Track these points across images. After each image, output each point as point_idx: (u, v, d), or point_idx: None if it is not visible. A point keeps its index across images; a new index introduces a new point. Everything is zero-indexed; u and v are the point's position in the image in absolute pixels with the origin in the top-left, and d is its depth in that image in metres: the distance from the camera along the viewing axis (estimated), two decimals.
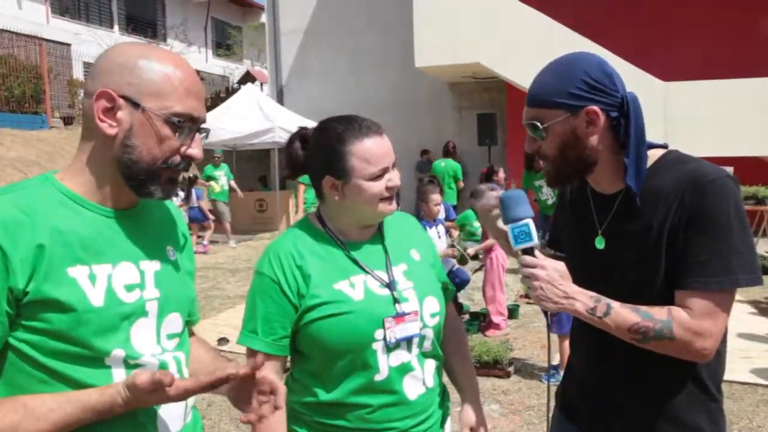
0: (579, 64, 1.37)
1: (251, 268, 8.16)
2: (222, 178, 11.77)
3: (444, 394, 1.63)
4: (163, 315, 1.23)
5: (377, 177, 1.44)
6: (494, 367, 4.59)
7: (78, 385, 1.09)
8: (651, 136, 1.41)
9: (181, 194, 11.48)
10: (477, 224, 9.55)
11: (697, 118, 10.21)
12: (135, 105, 1.13)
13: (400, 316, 1.46)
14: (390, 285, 1.49)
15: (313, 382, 1.49)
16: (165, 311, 1.23)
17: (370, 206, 1.47)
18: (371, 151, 1.44)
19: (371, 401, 1.45)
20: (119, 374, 1.13)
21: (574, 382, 1.64)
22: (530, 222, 1.38)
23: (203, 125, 1.22)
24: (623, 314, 1.33)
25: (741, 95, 10.17)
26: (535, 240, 1.37)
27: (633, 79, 10.32)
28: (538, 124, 1.39)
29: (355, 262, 1.50)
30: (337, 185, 1.46)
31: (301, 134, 1.55)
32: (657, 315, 1.32)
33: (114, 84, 1.12)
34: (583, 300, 1.35)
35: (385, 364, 1.45)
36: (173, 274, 1.27)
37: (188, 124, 1.17)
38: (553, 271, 1.35)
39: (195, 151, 1.20)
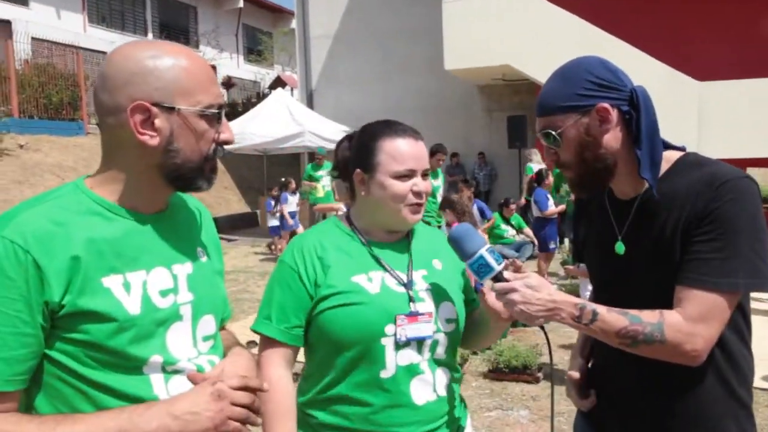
0: (581, 66, 1.38)
1: None
2: (325, 179, 10.66)
3: (461, 411, 1.59)
4: (198, 318, 1.23)
5: (402, 177, 1.46)
6: (523, 373, 4.54)
7: (117, 394, 1.09)
8: (685, 137, 1.40)
9: (272, 203, 11.08)
10: (504, 227, 9.49)
11: (733, 118, 9.96)
12: (169, 109, 1.11)
13: (413, 315, 1.45)
14: (407, 284, 1.49)
15: (319, 373, 1.49)
16: (199, 314, 1.23)
17: (393, 208, 1.47)
18: (399, 150, 1.46)
19: (375, 400, 1.43)
20: (158, 380, 1.13)
21: (596, 387, 1.61)
22: (484, 252, 1.38)
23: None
24: (610, 320, 1.31)
25: None
26: (497, 266, 1.37)
27: (667, 79, 10.14)
28: (552, 131, 1.39)
29: (376, 259, 1.51)
30: (364, 179, 1.49)
31: (350, 135, 1.61)
32: (647, 318, 1.30)
33: (141, 93, 1.10)
34: (567, 309, 1.33)
35: (392, 361, 1.44)
36: (205, 276, 1.27)
37: (217, 112, 1.17)
38: (525, 288, 1.33)
39: (227, 135, 1.20)
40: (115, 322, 1.08)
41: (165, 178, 1.16)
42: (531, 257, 9.31)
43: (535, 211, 8.03)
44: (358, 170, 1.50)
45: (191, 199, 1.37)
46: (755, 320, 1.42)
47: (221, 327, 1.34)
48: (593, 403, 1.57)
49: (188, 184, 1.19)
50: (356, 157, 1.52)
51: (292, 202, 10.87)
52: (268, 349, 1.50)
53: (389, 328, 1.43)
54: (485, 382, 4.58)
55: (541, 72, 10.99)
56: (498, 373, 4.59)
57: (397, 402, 1.44)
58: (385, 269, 1.50)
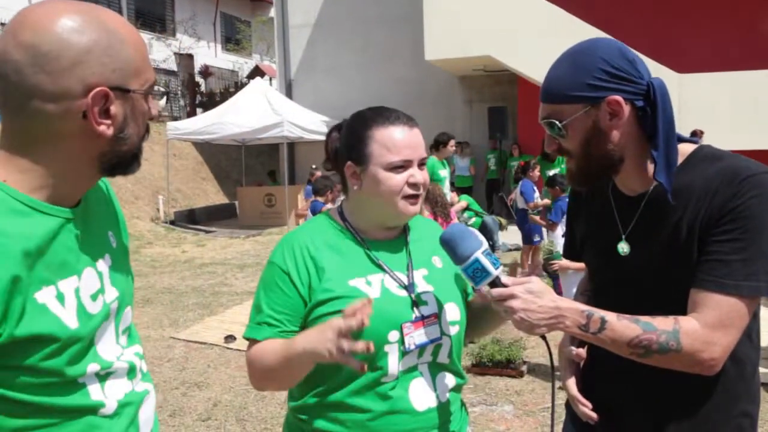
0: (596, 52, 1.25)
1: (259, 264, 8.05)
2: None
3: (463, 419, 1.50)
4: (121, 313, 1.11)
5: (397, 168, 1.35)
6: (507, 367, 4.48)
7: (51, 410, 0.96)
8: None
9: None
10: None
11: (712, 111, 10.03)
12: (125, 93, 0.97)
13: (418, 321, 1.36)
14: (409, 287, 1.39)
15: (315, 380, 1.37)
16: (122, 308, 1.12)
17: (389, 201, 1.36)
18: (393, 139, 1.35)
19: (374, 406, 1.33)
20: (95, 388, 1.02)
21: (587, 392, 1.51)
22: (478, 254, 1.25)
23: None
24: (620, 328, 1.21)
25: (757, 87, 9.98)
26: (494, 270, 1.24)
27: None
28: (556, 121, 1.27)
29: (374, 260, 1.40)
30: (357, 172, 1.39)
31: (339, 125, 1.50)
32: (661, 325, 1.20)
33: (98, 77, 0.93)
34: (573, 316, 1.22)
35: (395, 367, 1.34)
36: (121, 264, 1.14)
37: (155, 88, 1.05)
38: (526, 294, 1.21)
39: (156, 110, 1.08)
40: (57, 342, 0.93)
41: (101, 167, 1.02)
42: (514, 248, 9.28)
43: (521, 203, 7.95)
44: (350, 162, 1.39)
45: None
46: None
47: None
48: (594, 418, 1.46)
49: (125, 169, 1.05)
50: (347, 147, 1.41)
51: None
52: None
53: (392, 335, 1.33)
54: (468, 377, 4.49)
55: (522, 63, 10.96)
56: (481, 367, 4.52)
57: (397, 408, 1.34)
58: (384, 271, 1.40)
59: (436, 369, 1.40)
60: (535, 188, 7.90)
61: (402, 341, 1.34)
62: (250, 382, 1.42)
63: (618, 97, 1.23)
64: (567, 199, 6.62)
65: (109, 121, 0.97)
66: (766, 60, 10.27)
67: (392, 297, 1.37)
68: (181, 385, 4.48)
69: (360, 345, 1.13)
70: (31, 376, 0.92)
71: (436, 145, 7.32)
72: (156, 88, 1.05)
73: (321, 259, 1.37)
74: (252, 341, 1.37)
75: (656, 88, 1.24)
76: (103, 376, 1.03)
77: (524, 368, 4.53)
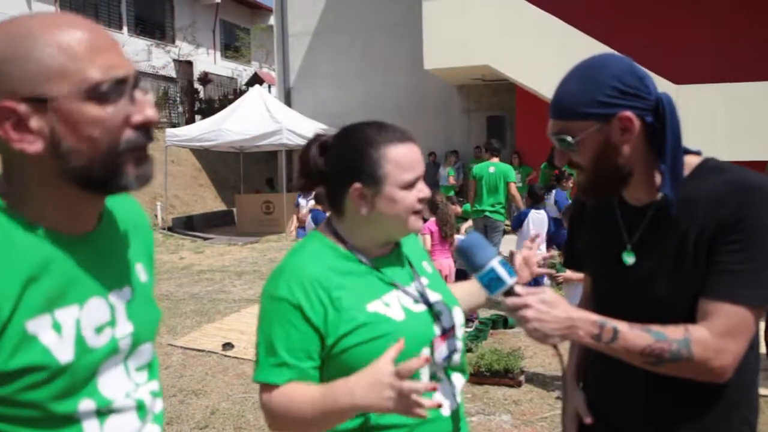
0: (608, 69, 1.26)
1: (257, 271, 7.99)
2: None
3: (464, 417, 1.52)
4: (135, 348, 1.04)
5: (410, 186, 1.34)
6: (504, 376, 4.47)
7: None
8: None
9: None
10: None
11: (709, 122, 10.06)
12: (40, 102, 0.84)
13: (443, 334, 1.37)
14: (426, 300, 1.40)
15: None
16: (137, 344, 1.04)
17: (402, 220, 1.35)
18: (406, 157, 1.33)
19: (408, 420, 1.30)
20: (91, 427, 0.95)
21: (588, 402, 1.53)
22: (494, 263, 1.26)
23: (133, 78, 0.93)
24: (632, 338, 1.23)
25: (754, 98, 10.02)
26: (509, 280, 1.26)
27: None
28: (568, 138, 1.29)
29: (384, 279, 1.38)
30: (366, 195, 1.32)
31: (321, 140, 1.40)
32: (672, 335, 1.22)
33: (3, 91, 0.83)
34: (586, 327, 1.24)
35: (426, 380, 1.33)
36: (145, 299, 1.07)
37: (117, 87, 0.88)
38: (539, 304, 1.23)
39: (148, 112, 0.92)
40: (41, 374, 0.87)
41: (80, 186, 0.91)
42: None
43: (553, 212, 7.89)
44: (358, 185, 1.31)
45: (127, 200, 1.13)
46: None
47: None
48: None
49: (106, 186, 0.93)
50: (350, 168, 1.33)
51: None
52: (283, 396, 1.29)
53: (425, 352, 1.33)
54: (466, 386, 4.50)
55: (520, 72, 10.99)
56: (479, 376, 4.51)
57: (429, 418, 1.31)
58: (397, 288, 1.37)
59: (450, 372, 1.42)
60: (568, 198, 7.86)
61: (432, 355, 1.34)
62: (269, 427, 1.34)
63: (630, 114, 1.25)
64: (530, 212, 6.68)
65: (31, 137, 0.85)
66: (763, 72, 10.34)
67: (415, 315, 1.35)
68: (179, 393, 4.48)
69: (422, 385, 1.14)
70: (8, 408, 0.87)
71: (497, 151, 7.94)
72: (105, 86, 0.87)
73: (333, 288, 1.30)
74: (268, 385, 1.28)
75: (665, 103, 1.27)
76: (103, 413, 0.96)
77: (522, 378, 4.52)
